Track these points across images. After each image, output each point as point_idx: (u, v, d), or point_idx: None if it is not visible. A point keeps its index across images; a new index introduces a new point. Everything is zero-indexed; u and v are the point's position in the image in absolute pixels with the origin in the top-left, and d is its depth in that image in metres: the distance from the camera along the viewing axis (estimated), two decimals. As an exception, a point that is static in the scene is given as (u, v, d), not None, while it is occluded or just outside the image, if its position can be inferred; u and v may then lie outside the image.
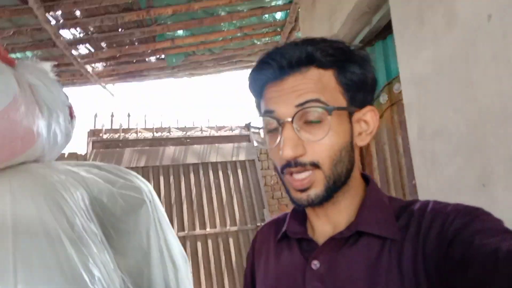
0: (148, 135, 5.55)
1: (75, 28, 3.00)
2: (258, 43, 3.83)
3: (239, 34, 3.55)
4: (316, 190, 0.62)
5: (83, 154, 5.17)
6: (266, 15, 3.31)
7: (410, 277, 0.55)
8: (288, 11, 3.22)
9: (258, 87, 0.68)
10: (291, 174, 0.62)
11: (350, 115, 0.64)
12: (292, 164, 0.61)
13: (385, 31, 2.02)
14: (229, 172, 5.39)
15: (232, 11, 3.14)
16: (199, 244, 4.86)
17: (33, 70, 1.24)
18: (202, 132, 5.76)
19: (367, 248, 0.60)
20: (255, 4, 3.11)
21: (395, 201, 0.67)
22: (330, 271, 0.61)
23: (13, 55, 3.06)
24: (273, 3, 3.16)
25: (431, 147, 1.35)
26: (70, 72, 3.70)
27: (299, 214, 0.73)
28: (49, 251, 0.85)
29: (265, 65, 0.64)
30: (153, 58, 3.82)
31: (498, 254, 0.45)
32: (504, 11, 1.05)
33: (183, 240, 4.72)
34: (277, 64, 0.62)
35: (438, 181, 1.32)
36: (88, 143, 5.27)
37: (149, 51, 3.55)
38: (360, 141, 0.67)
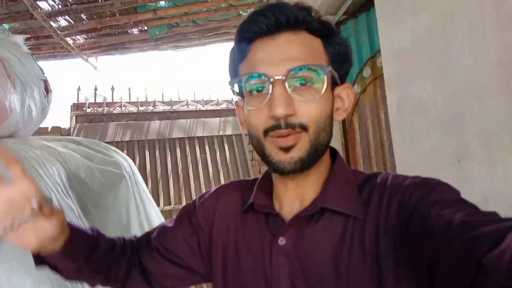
0: (133, 109, 5.48)
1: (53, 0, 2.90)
2: (244, 14, 3.75)
3: (223, 5, 3.46)
4: (300, 153, 0.60)
5: (66, 128, 5.09)
6: (251, -14, 3.24)
7: (372, 254, 0.56)
8: (273, -18, 3.15)
9: (247, 40, 0.63)
10: (278, 137, 0.60)
11: (333, 87, 0.65)
12: (282, 125, 0.58)
13: (369, 2, 1.99)
14: (216, 146, 5.37)
15: (216, -19, 3.06)
16: (185, 218, 4.89)
17: (5, 43, 1.20)
18: (188, 106, 5.71)
19: (331, 226, 0.61)
20: (240, -26, 3.03)
21: (358, 175, 0.67)
22: (296, 247, 0.62)
23: (-12, 27, 2.95)
24: (258, -26, 3.08)
25: (410, 122, 1.35)
26: (50, 44, 3.59)
27: (267, 185, 0.71)
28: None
29: (261, 16, 0.61)
30: (135, 30, 3.71)
31: (451, 226, 0.46)
32: (482, -16, 1.04)
33: (169, 214, 4.75)
34: (274, 17, 0.60)
35: (415, 156, 1.34)
36: (71, 117, 5.19)
37: (130, 22, 3.45)
38: (337, 117, 0.67)
